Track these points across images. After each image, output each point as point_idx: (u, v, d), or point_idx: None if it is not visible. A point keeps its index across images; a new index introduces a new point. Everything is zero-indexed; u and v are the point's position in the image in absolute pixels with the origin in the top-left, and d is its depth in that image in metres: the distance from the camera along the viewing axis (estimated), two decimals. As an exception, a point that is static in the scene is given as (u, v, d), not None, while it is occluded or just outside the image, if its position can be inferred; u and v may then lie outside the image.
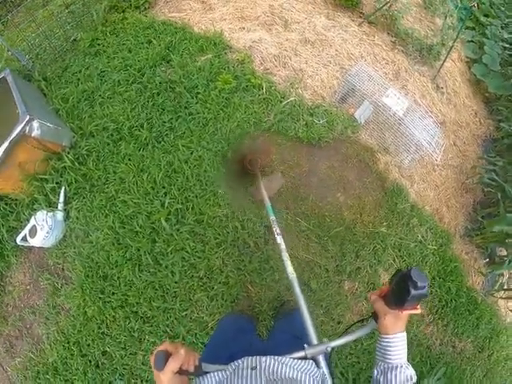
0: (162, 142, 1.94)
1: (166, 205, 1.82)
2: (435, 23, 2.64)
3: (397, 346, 0.70)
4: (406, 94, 2.36)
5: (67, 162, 1.93)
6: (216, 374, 0.71)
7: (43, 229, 1.84)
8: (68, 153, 1.96)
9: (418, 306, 0.66)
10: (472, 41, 2.64)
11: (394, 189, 2.05)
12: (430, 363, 1.96)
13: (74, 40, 2.48)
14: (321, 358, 0.74)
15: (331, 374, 0.72)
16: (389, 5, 2.47)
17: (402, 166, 2.16)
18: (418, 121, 2.12)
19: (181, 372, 0.61)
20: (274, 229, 1.22)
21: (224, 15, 2.51)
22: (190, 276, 1.81)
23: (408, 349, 0.72)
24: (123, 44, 2.35)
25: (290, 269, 1.03)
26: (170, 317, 1.77)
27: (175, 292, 1.80)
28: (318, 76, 2.21)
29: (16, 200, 1.94)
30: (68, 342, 1.75)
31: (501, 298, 2.24)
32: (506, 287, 2.18)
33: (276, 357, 0.72)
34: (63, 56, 2.35)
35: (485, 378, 2.14)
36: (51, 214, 1.89)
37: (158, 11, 2.57)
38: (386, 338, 0.71)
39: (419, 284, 0.61)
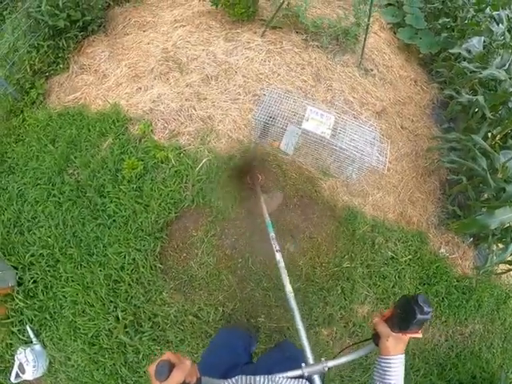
0: (95, 256, 1.84)
1: (120, 318, 1.77)
2: (345, 0, 2.30)
3: (396, 366, 0.73)
4: (333, 97, 2.10)
5: (19, 302, 1.91)
6: None
7: (29, 364, 1.87)
8: (17, 292, 1.92)
9: (420, 331, 0.70)
10: (390, 3, 2.27)
11: (346, 215, 1.87)
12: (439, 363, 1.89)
13: (-16, 161, 2.37)
14: (316, 378, 0.76)
15: None
16: (286, 2, 2.15)
17: (350, 182, 1.96)
18: (351, 130, 1.88)
19: None
20: (274, 246, 1.19)
21: (119, 79, 2.30)
22: (168, 376, 1.78)
23: (409, 361, 0.73)
24: (30, 150, 2.21)
25: (288, 287, 1.02)
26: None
27: (161, 392, 1.79)
28: (229, 117, 2.00)
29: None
30: None
31: (497, 273, 2.10)
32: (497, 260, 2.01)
33: (269, 376, 0.73)
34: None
35: (504, 342, 2.12)
36: (29, 349, 1.91)
37: (55, 99, 2.38)
38: (387, 359, 0.73)
39: (425, 309, 0.64)
